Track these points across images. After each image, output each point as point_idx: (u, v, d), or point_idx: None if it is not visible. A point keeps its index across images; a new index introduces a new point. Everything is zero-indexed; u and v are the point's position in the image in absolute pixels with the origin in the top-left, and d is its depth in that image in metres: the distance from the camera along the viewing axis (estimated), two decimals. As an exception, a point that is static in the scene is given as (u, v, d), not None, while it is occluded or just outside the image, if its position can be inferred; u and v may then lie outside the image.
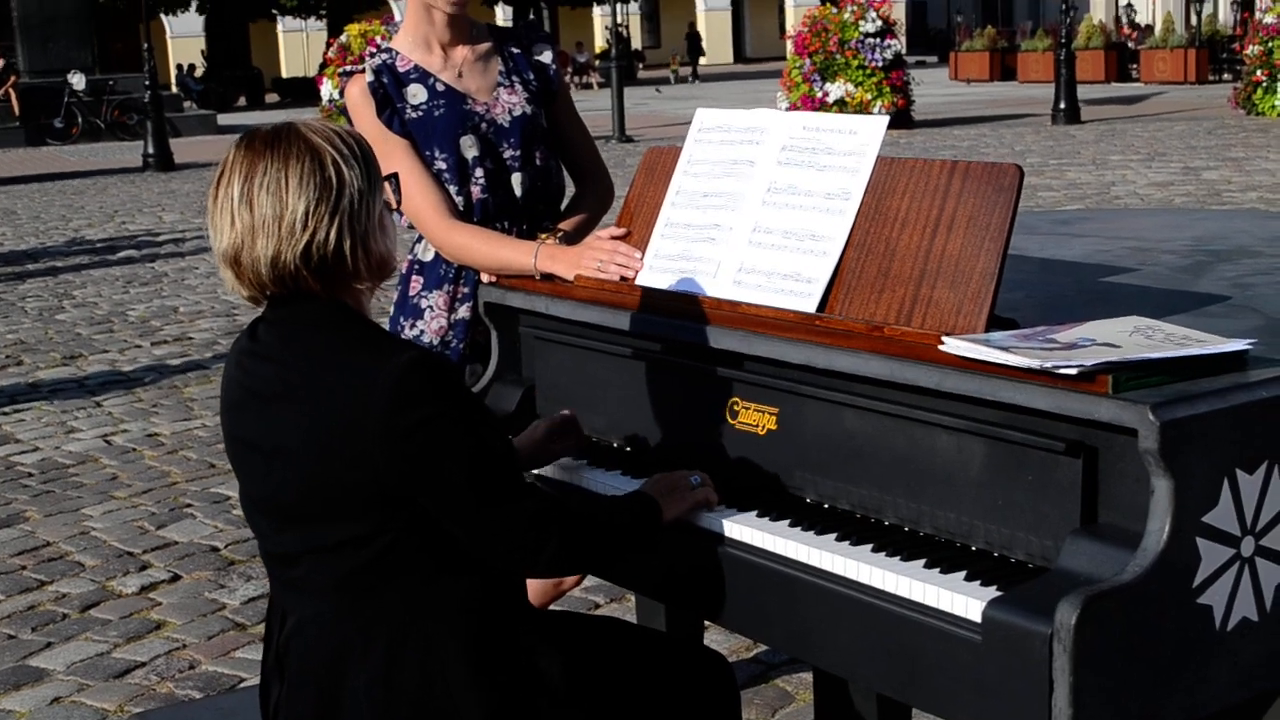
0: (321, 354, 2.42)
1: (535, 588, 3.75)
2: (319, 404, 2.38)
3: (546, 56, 3.84)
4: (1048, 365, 2.28)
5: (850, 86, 25.20)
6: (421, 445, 2.34)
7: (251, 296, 2.49)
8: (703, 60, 58.68)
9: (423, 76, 3.68)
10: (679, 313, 2.96)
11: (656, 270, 3.13)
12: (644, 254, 3.17)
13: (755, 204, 2.99)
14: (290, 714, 2.53)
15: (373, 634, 2.44)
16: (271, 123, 2.54)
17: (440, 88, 3.68)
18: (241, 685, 4.56)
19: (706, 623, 3.91)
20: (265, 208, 2.39)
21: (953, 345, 2.43)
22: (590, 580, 4.64)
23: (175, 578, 5.56)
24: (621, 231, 3.26)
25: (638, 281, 3.14)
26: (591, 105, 30.83)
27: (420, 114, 3.65)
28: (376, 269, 2.49)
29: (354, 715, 2.45)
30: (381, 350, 2.40)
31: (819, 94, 25.26)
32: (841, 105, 24.99)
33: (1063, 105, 25.84)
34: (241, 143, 2.48)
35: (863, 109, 24.76)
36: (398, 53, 3.72)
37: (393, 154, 3.58)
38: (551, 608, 3.77)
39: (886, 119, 2.94)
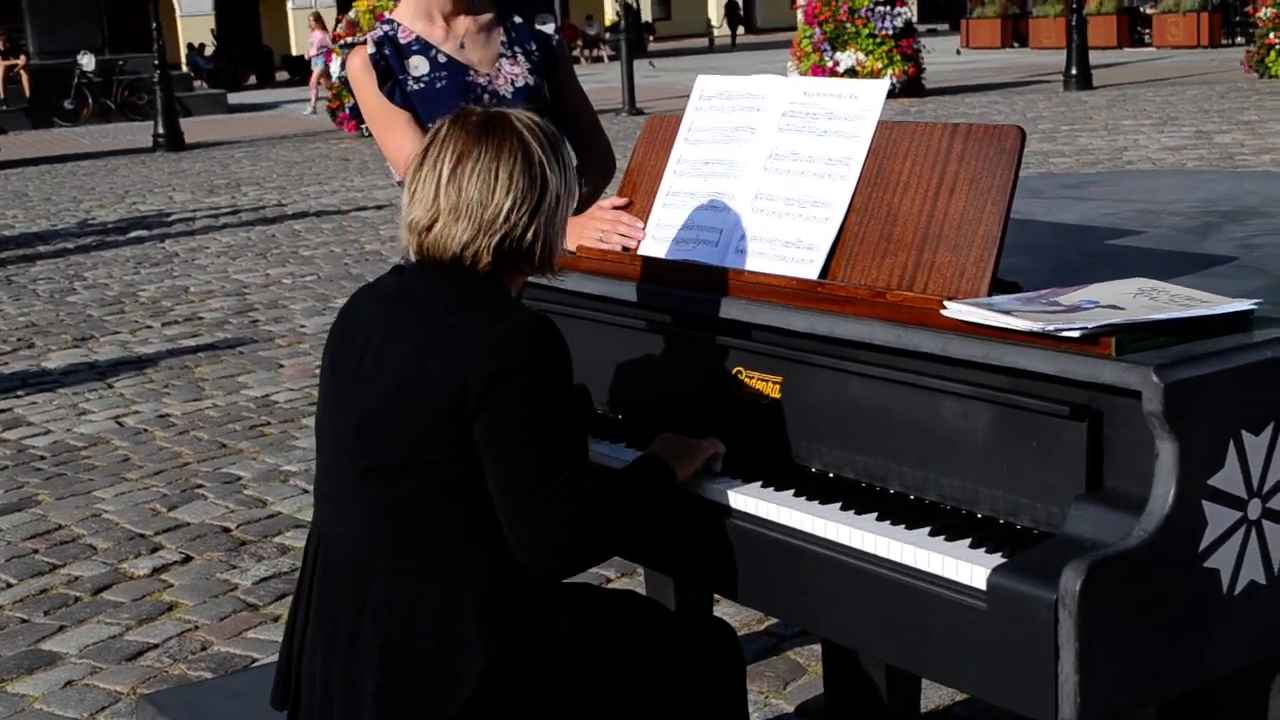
0: (460, 294, 2.55)
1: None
2: (438, 329, 2.50)
3: (549, 27, 3.82)
4: (1050, 328, 2.26)
5: (861, 55, 25.11)
6: (505, 394, 2.42)
7: (420, 260, 2.63)
8: (718, 31, 58.57)
9: (424, 48, 3.66)
10: (682, 282, 2.94)
11: (659, 240, 3.11)
12: (646, 223, 3.16)
13: (757, 171, 2.97)
14: (315, 630, 2.60)
15: (402, 568, 2.50)
16: (483, 108, 2.69)
17: (442, 59, 3.66)
18: (254, 665, 4.56)
19: (717, 594, 3.90)
20: (472, 193, 2.54)
21: (955, 310, 2.41)
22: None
23: (187, 559, 5.55)
24: (623, 201, 3.25)
25: (640, 251, 3.13)
26: (602, 78, 30.75)
27: (422, 86, 3.63)
28: (551, 263, 2.65)
29: (370, 640, 2.50)
30: (509, 305, 2.55)
31: (829, 63, 25.17)
32: (852, 74, 24.88)
33: (1074, 71, 25.72)
34: (457, 122, 2.61)
35: (873, 78, 24.65)
36: (399, 24, 3.70)
37: (394, 125, 3.57)
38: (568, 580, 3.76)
39: (886, 83, 2.92)
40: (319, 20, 33.30)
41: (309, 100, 32.32)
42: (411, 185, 2.60)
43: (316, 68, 32.09)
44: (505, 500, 2.46)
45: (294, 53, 55.62)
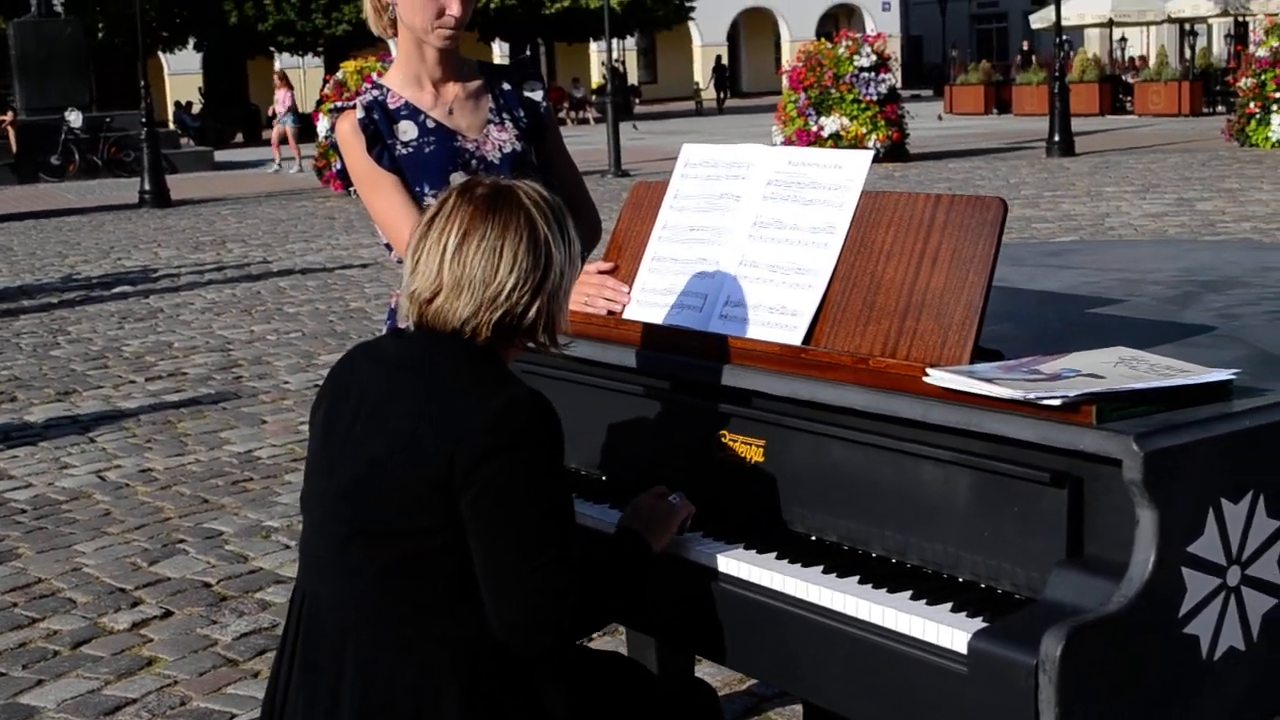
0: (457, 365, 2.55)
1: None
2: (436, 397, 2.50)
3: (537, 94, 3.85)
4: (1032, 396, 2.29)
5: (845, 120, 25.25)
6: (496, 469, 2.42)
7: (420, 328, 2.63)
8: (706, 94, 58.96)
9: (413, 113, 3.69)
10: (666, 346, 2.97)
11: (644, 304, 3.14)
12: (631, 288, 3.18)
13: (741, 238, 3.00)
14: (297, 689, 2.60)
15: (384, 635, 2.50)
16: (490, 179, 2.68)
17: (431, 124, 3.69)
18: (233, 721, 4.56)
19: (698, 655, 3.90)
20: (476, 270, 2.54)
21: (937, 377, 2.44)
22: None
23: (167, 614, 5.54)
24: (609, 265, 3.27)
25: (625, 315, 3.15)
26: (588, 140, 30.89)
27: (411, 150, 3.66)
28: (553, 337, 2.66)
29: (350, 705, 2.50)
30: (507, 379, 2.54)
31: (814, 128, 25.31)
32: (836, 139, 25.03)
33: (1057, 138, 25.90)
34: (464, 194, 2.61)
35: (858, 142, 24.82)
36: (389, 89, 3.73)
37: (382, 189, 3.60)
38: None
39: (871, 154, 2.95)
40: (284, 79, 33.39)
41: (273, 160, 32.45)
42: (415, 255, 2.61)
43: (282, 125, 32.18)
44: (491, 576, 2.46)
45: (280, 111, 55.78)
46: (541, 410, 2.48)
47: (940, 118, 27.49)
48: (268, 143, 35.25)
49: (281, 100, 32.45)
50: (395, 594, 2.49)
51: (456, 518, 2.45)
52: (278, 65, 58.00)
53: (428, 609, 2.48)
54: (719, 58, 64.46)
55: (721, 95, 57.98)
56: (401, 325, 2.73)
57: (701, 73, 65.79)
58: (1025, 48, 50.72)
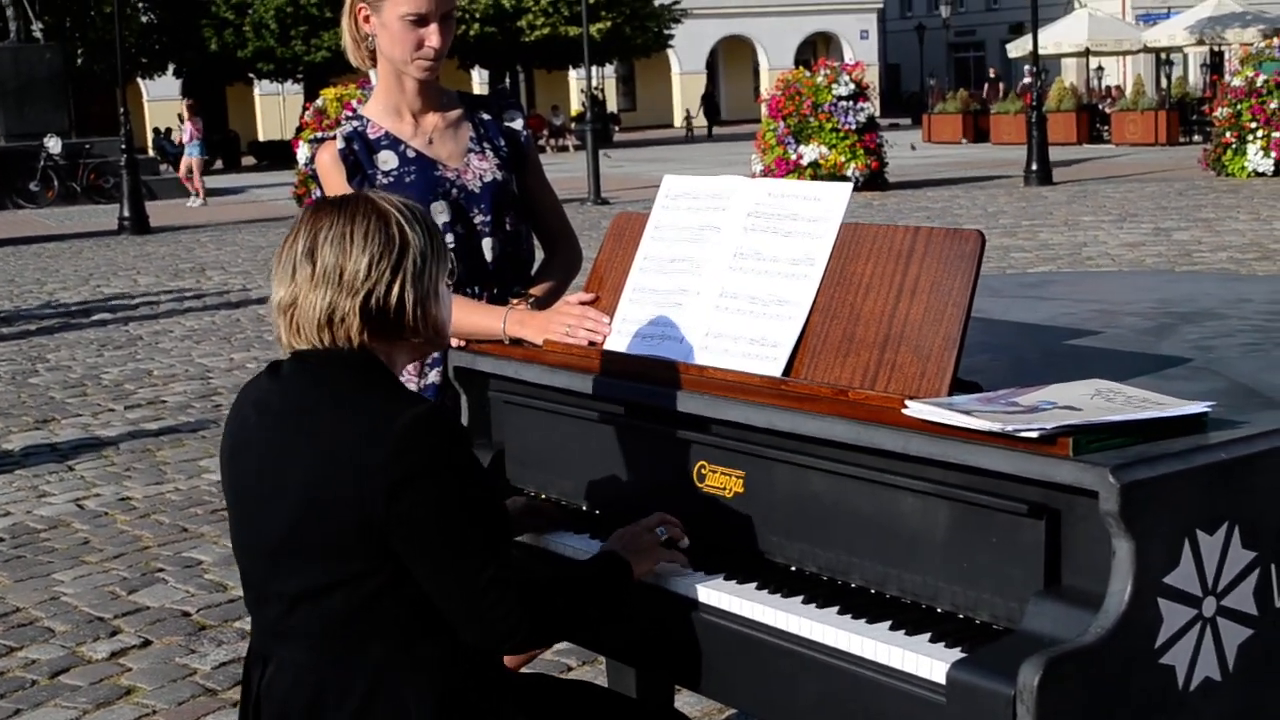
0: (339, 395, 2.49)
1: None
2: (329, 441, 2.44)
3: (517, 123, 3.87)
4: (1009, 428, 2.31)
5: (824, 149, 25.34)
6: (412, 499, 2.39)
7: (296, 349, 2.55)
8: (679, 123, 59.12)
9: (394, 143, 3.71)
10: (647, 377, 2.98)
11: (624, 335, 3.15)
12: (612, 319, 3.20)
13: (721, 269, 3.02)
14: None
15: (350, 684, 2.47)
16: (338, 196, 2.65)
17: (411, 154, 3.70)
18: (212, 751, 4.55)
19: (678, 685, 3.91)
20: (328, 260, 2.49)
21: (916, 409, 2.46)
22: (561, 644, 4.63)
23: (146, 643, 5.53)
24: (590, 296, 3.29)
25: (606, 346, 3.17)
26: (567, 167, 30.93)
27: (391, 180, 3.67)
28: (433, 332, 2.59)
29: None
30: (393, 402, 2.47)
31: (793, 156, 25.39)
32: (815, 168, 25.12)
33: (1035, 167, 26.01)
34: (310, 208, 2.59)
35: (836, 171, 24.90)
36: (369, 120, 3.74)
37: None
38: (524, 670, 3.77)
39: (850, 185, 2.97)
40: (192, 110, 32.46)
41: (192, 195, 31.42)
42: (273, 276, 2.56)
43: (189, 156, 31.47)
44: (445, 600, 2.45)
45: (261, 138, 55.83)
46: (434, 426, 2.42)
47: (913, 147, 27.41)
48: (249, 169, 35.08)
49: (188, 131, 31.69)
50: (353, 643, 2.47)
51: (392, 555, 2.42)
52: (257, 92, 58.11)
53: (389, 647, 2.46)
54: (708, 85, 64.73)
55: (711, 124, 58.25)
56: (281, 345, 2.61)
57: (679, 101, 66.01)
58: (992, 75, 51.02)
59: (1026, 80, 40.06)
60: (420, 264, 2.52)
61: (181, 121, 32.23)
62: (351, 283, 2.47)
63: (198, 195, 30.99)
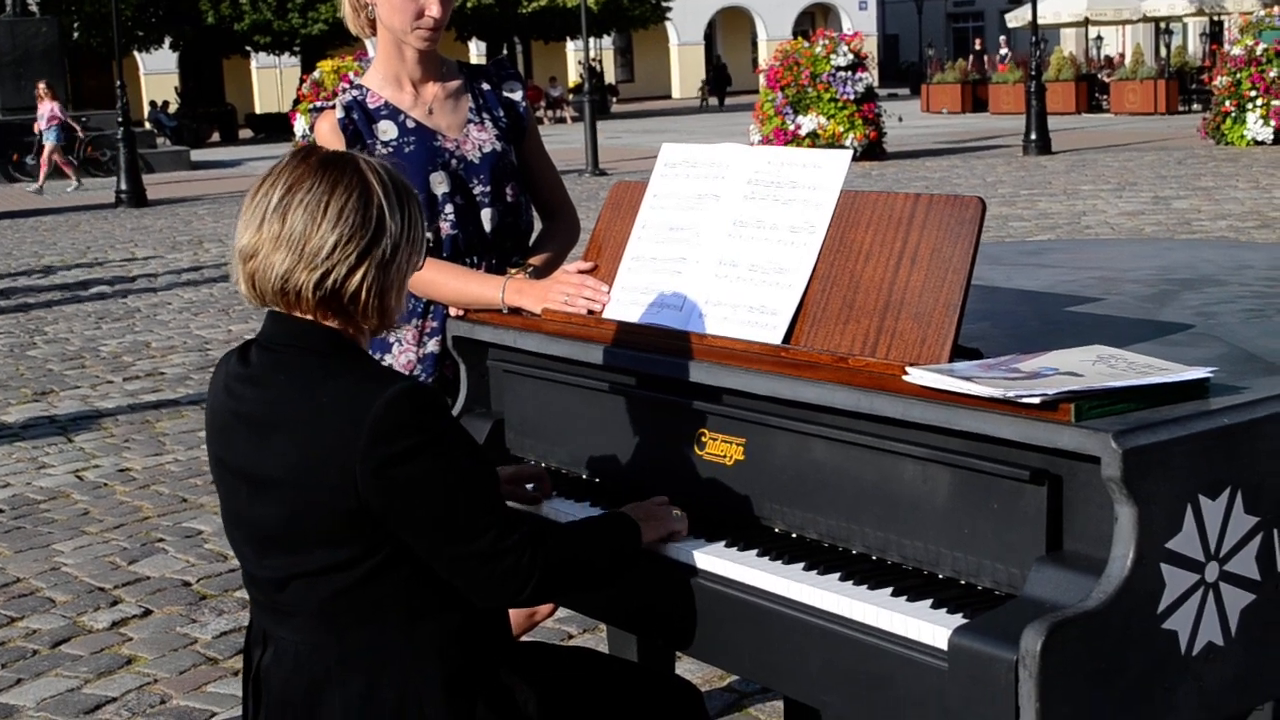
0: (312, 381, 2.42)
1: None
2: (307, 431, 2.39)
3: (517, 94, 3.86)
4: (1010, 394, 2.30)
5: (822, 119, 25.30)
6: (402, 478, 2.36)
7: (253, 300, 2.49)
8: (677, 94, 59.00)
9: (393, 113, 3.70)
10: (646, 345, 2.97)
11: (623, 303, 3.14)
12: (611, 287, 3.19)
13: (721, 237, 3.01)
14: None
15: (351, 664, 2.46)
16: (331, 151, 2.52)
17: (410, 124, 3.69)
18: (214, 719, 4.56)
19: (679, 652, 3.92)
20: (296, 224, 2.39)
21: (917, 375, 2.45)
22: (563, 611, 4.64)
23: (146, 613, 5.54)
24: (589, 265, 3.28)
25: (605, 315, 3.16)
26: (565, 139, 30.88)
27: (390, 150, 3.66)
28: (380, 319, 2.49)
29: None
30: (371, 380, 2.41)
31: (791, 126, 25.35)
32: (814, 138, 25.08)
33: (1034, 136, 25.98)
34: (298, 154, 2.47)
35: (835, 141, 24.87)
36: (368, 89, 3.73)
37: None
38: (524, 639, 3.77)
39: (849, 153, 2.95)
40: (50, 90, 29.78)
41: (38, 180, 28.82)
42: (241, 214, 2.47)
43: (48, 142, 29.19)
44: (451, 571, 2.43)
45: (258, 110, 55.76)
46: (408, 403, 2.37)
47: (900, 119, 27.24)
48: (245, 141, 34.84)
49: (46, 113, 29.34)
50: (352, 622, 2.45)
51: (388, 536, 2.40)
52: (254, 65, 57.99)
53: (389, 626, 2.45)
54: (718, 57, 64.56)
55: (721, 96, 58.19)
56: (234, 286, 2.55)
57: (678, 73, 65.90)
58: (978, 46, 50.93)
59: (1004, 51, 40.39)
60: (389, 254, 2.43)
61: (38, 102, 29.57)
62: (312, 257, 2.38)
63: (39, 178, 28.84)
